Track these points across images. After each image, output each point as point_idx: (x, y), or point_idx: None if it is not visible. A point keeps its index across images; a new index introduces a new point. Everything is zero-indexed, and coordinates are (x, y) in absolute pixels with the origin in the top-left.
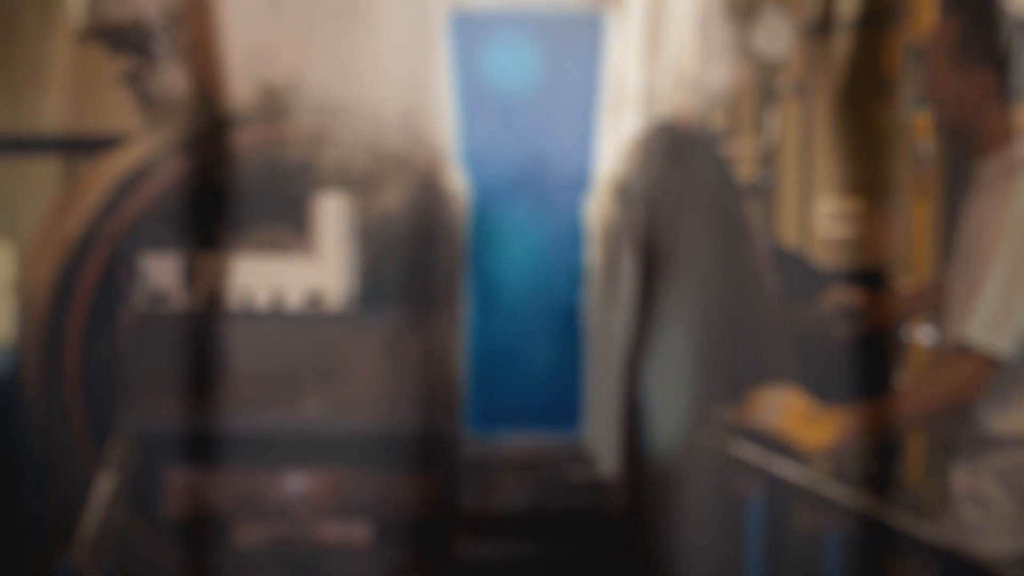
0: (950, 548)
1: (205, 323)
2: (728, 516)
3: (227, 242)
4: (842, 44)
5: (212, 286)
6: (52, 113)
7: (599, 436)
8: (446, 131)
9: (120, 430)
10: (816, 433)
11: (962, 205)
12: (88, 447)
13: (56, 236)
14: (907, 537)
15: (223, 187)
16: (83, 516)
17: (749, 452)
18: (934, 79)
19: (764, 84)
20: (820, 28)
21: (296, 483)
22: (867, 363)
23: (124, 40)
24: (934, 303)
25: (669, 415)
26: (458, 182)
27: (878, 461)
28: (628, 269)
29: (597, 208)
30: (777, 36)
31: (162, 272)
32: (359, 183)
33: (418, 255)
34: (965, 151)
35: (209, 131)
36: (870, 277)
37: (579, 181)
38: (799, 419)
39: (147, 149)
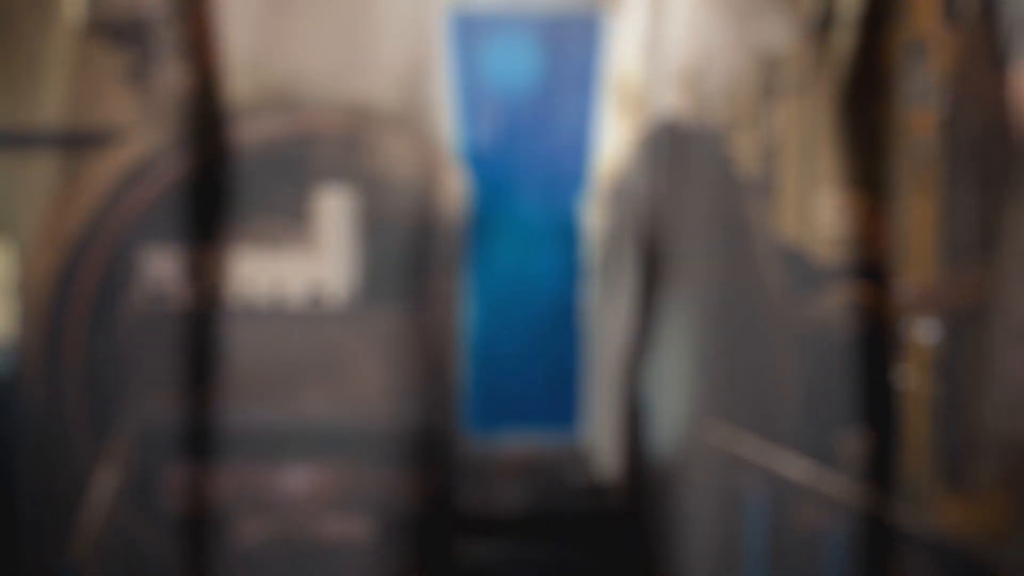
0: (950, 547)
1: (206, 320)
2: (728, 516)
3: (227, 237)
4: (843, 40)
5: (213, 282)
6: (51, 108)
7: (598, 436)
8: (446, 129)
9: (121, 427)
10: None
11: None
12: (89, 444)
13: (56, 233)
14: (907, 536)
15: (223, 182)
16: (84, 514)
17: (749, 451)
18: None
19: (764, 81)
20: (821, 24)
21: (296, 479)
22: (868, 360)
23: (124, 35)
24: (938, 301)
25: (669, 415)
26: (458, 180)
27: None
28: (628, 269)
29: (597, 207)
30: (777, 32)
31: (163, 268)
32: (360, 180)
33: (418, 252)
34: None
35: (209, 126)
36: (871, 273)
37: (579, 180)
38: None
39: (147, 145)
